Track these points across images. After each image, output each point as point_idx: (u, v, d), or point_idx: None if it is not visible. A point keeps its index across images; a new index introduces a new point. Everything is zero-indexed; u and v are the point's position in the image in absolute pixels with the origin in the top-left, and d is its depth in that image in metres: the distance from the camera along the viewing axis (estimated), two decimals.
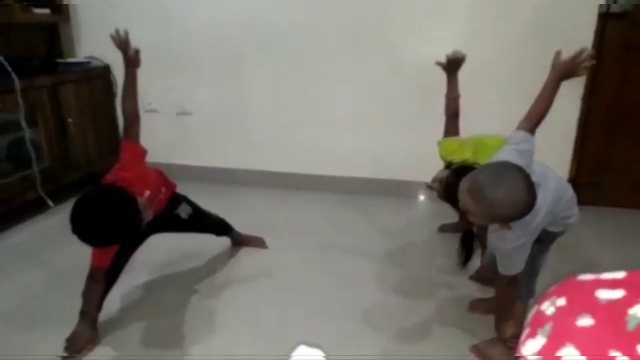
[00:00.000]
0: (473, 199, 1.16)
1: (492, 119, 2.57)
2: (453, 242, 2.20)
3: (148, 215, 1.43)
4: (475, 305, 1.68)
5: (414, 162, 2.61)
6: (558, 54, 1.32)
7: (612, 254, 2.11)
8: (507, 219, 1.18)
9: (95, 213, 1.29)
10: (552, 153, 2.50)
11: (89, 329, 1.52)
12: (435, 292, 1.83)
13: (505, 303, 1.42)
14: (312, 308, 1.73)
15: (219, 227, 2.04)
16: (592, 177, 2.57)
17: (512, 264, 1.32)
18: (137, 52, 1.55)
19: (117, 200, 1.32)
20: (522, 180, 1.14)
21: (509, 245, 1.27)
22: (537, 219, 1.25)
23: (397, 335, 1.59)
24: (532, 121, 1.32)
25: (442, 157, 1.91)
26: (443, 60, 1.96)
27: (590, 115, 2.47)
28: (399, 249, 2.17)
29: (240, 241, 2.15)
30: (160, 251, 2.03)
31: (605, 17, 2.31)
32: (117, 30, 1.52)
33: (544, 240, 1.36)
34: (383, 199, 2.68)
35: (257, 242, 2.16)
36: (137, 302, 1.76)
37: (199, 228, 1.95)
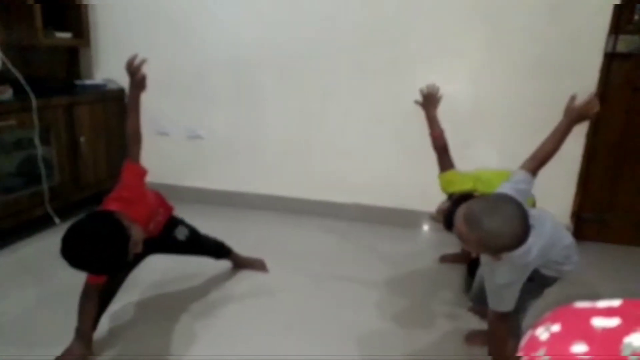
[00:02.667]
0: (467, 226, 1.18)
1: (496, 152, 2.60)
2: (454, 272, 2.20)
3: (139, 248, 1.44)
4: (473, 337, 1.65)
5: (418, 192, 2.62)
6: (573, 98, 1.35)
7: (611, 290, 2.07)
8: (498, 250, 1.19)
9: (84, 243, 1.30)
10: (557, 187, 2.52)
11: (82, 346, 1.52)
12: (434, 323, 1.81)
13: (497, 338, 1.41)
14: (308, 333, 1.72)
15: (217, 250, 2.05)
16: (596, 213, 2.55)
17: (501, 301, 1.32)
18: (144, 77, 1.60)
19: (108, 233, 1.32)
20: (517, 213, 1.16)
21: (498, 281, 1.28)
22: (528, 258, 1.25)
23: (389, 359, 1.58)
24: (538, 161, 1.35)
25: (444, 190, 1.93)
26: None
27: (594, 152, 2.47)
28: (400, 277, 2.15)
29: (240, 263, 2.15)
30: (156, 271, 2.05)
31: (611, 57, 2.34)
32: (134, 56, 1.57)
33: (533, 280, 1.35)
34: (387, 227, 2.69)
35: (257, 265, 2.17)
36: (131, 322, 1.76)
37: (196, 250, 1.96)
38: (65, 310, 1.61)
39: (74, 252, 1.29)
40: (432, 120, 1.98)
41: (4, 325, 1.71)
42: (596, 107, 1.33)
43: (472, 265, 1.70)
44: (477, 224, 1.16)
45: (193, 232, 1.88)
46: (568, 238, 1.36)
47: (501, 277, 1.27)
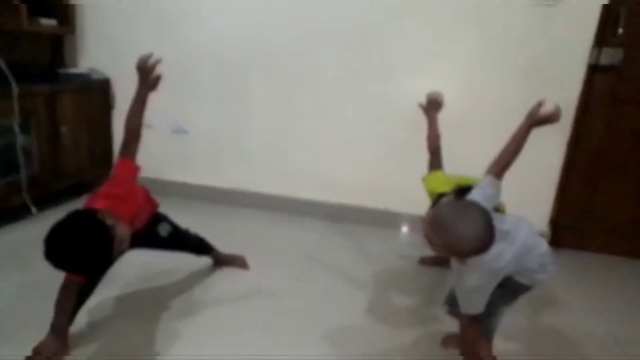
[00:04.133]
0: (433, 230, 1.21)
1: (482, 158, 2.62)
2: (433, 274, 2.22)
3: (125, 246, 1.42)
4: (448, 341, 1.68)
5: (401, 194, 2.65)
6: (539, 104, 1.37)
7: (586, 297, 2.13)
8: (463, 254, 1.22)
9: (67, 246, 1.27)
10: (536, 195, 2.57)
11: (57, 340, 1.50)
12: (412, 323, 1.83)
13: (469, 340, 1.43)
14: (289, 331, 1.72)
15: (198, 246, 2.04)
16: (574, 221, 2.61)
17: (470, 304, 1.34)
18: (159, 77, 1.56)
19: (91, 236, 1.29)
20: (482, 219, 1.19)
21: (467, 285, 1.30)
22: (499, 263, 1.27)
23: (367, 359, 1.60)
24: (502, 165, 1.38)
25: (429, 191, 1.93)
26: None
27: (574, 161, 2.52)
28: (380, 278, 2.17)
29: (221, 260, 2.14)
30: (136, 266, 2.02)
31: (594, 69, 2.39)
32: (149, 55, 1.53)
33: (505, 287, 1.37)
34: (370, 228, 2.71)
35: (238, 262, 2.16)
36: (109, 317, 1.74)
37: (178, 247, 1.94)
38: (39, 302, 1.58)
39: (57, 256, 1.27)
40: (432, 123, 2.11)
41: None
42: (558, 117, 1.36)
43: None
44: (442, 229, 1.19)
45: (175, 229, 1.87)
46: (543, 246, 1.38)
47: (470, 281, 1.29)
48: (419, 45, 2.51)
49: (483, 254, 1.21)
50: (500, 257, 1.26)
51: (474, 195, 1.33)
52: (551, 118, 1.36)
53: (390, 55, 2.55)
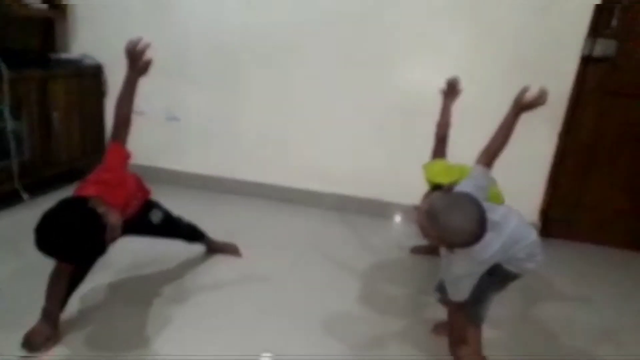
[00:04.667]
0: (428, 221, 1.24)
1: (474, 153, 2.63)
2: (425, 263, 2.24)
3: (116, 233, 1.41)
4: (440, 328, 1.70)
5: (395, 184, 2.65)
6: (524, 90, 1.39)
7: (575, 287, 2.16)
8: (454, 245, 1.25)
9: (58, 236, 1.26)
10: (525, 186, 2.58)
11: (49, 326, 1.50)
12: (405, 311, 1.85)
13: (457, 327, 1.46)
14: (281, 318, 1.74)
15: (190, 234, 2.04)
16: (564, 212, 2.63)
17: (457, 291, 1.37)
18: (149, 62, 1.53)
19: (82, 224, 1.29)
20: (475, 212, 1.21)
21: (455, 272, 1.33)
22: (487, 253, 1.29)
23: (358, 345, 1.62)
24: (491, 154, 1.40)
25: (428, 179, 1.90)
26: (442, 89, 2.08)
27: (565, 152, 2.54)
28: (374, 266, 2.19)
29: (213, 248, 2.15)
30: (128, 253, 2.02)
31: (587, 60, 2.39)
32: (137, 40, 1.49)
33: (494, 274, 1.39)
34: (363, 217, 2.72)
35: (230, 249, 2.17)
36: (101, 304, 1.74)
37: (170, 234, 1.94)
38: (30, 289, 1.58)
39: (47, 244, 1.26)
40: (446, 110, 2.07)
41: None
42: (544, 100, 1.37)
43: None
44: (436, 221, 1.22)
45: (167, 216, 1.86)
46: (532, 236, 1.40)
47: (457, 269, 1.32)
48: (415, 35, 2.50)
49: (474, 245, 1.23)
50: (488, 247, 1.28)
51: (464, 186, 1.34)
52: (537, 102, 1.38)
53: (385, 45, 2.54)
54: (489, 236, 1.25)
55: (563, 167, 2.57)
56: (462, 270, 1.31)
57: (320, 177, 2.82)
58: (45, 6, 2.65)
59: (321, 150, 2.78)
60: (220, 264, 2.09)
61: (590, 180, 2.57)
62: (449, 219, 1.20)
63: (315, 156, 2.80)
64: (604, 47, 2.37)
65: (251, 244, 2.22)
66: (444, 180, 1.71)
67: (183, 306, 1.76)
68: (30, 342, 1.46)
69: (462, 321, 1.44)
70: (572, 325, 1.86)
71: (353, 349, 1.61)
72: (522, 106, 1.38)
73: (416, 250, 2.35)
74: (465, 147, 2.72)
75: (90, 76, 2.82)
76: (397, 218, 2.78)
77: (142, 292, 1.83)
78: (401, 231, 2.70)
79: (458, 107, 2.51)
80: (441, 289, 1.60)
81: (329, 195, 2.83)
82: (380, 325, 1.75)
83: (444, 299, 1.75)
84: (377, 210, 2.76)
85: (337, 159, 2.77)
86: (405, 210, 2.70)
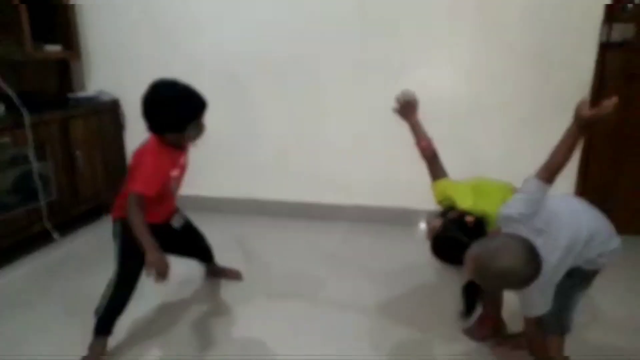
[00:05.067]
0: (478, 275, 1.22)
1: (495, 147, 2.59)
2: (448, 270, 2.17)
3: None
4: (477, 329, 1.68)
5: (416, 190, 2.60)
6: (584, 103, 1.23)
7: (615, 280, 2.07)
8: (515, 288, 1.25)
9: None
10: (556, 180, 2.51)
11: (160, 255, 1.44)
12: (433, 321, 1.81)
13: (536, 343, 1.42)
14: (310, 331, 1.73)
15: (206, 249, 2.04)
16: (597, 204, 2.53)
17: (532, 306, 1.31)
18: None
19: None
20: (524, 257, 1.18)
21: (528, 293, 1.27)
22: (550, 266, 1.24)
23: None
24: (551, 171, 1.28)
25: (439, 201, 1.68)
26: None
27: (592, 143, 2.47)
28: (398, 279, 2.14)
29: (216, 272, 2.13)
30: None
31: (605, 47, 2.33)
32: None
33: (573, 276, 1.33)
34: (385, 227, 2.68)
35: (232, 274, 2.13)
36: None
37: (190, 242, 1.95)
38: (69, 327, 1.59)
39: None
40: (416, 129, 1.75)
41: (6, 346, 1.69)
42: (610, 110, 1.19)
43: (467, 288, 1.63)
44: (486, 276, 1.21)
45: (188, 221, 1.91)
46: (601, 232, 1.35)
47: (530, 292, 1.27)
48: (423, 34, 2.47)
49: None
50: (551, 253, 1.24)
51: (514, 204, 1.28)
52: (602, 112, 1.20)
53: (395, 49, 2.52)
54: (539, 242, 1.22)
55: (592, 157, 2.49)
56: (536, 289, 1.26)
57: (342, 190, 2.79)
58: (59, 47, 2.71)
59: (336, 163, 2.76)
60: (247, 284, 2.08)
61: (622, 168, 2.49)
62: (498, 269, 1.17)
63: (330, 168, 2.78)
64: (622, 31, 2.30)
65: (277, 263, 2.21)
66: (456, 203, 1.54)
67: (226, 325, 1.76)
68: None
69: (540, 336, 1.40)
70: (613, 320, 1.80)
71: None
72: (585, 120, 1.22)
73: None
74: (481, 145, 2.68)
75: (108, 111, 2.87)
76: (421, 225, 2.73)
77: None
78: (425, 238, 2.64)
79: (473, 106, 2.48)
80: (467, 311, 1.59)
81: (352, 207, 2.80)
82: (404, 338, 1.72)
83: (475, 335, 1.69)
84: (401, 218, 2.72)
85: (358, 170, 2.74)
86: (428, 216, 2.65)
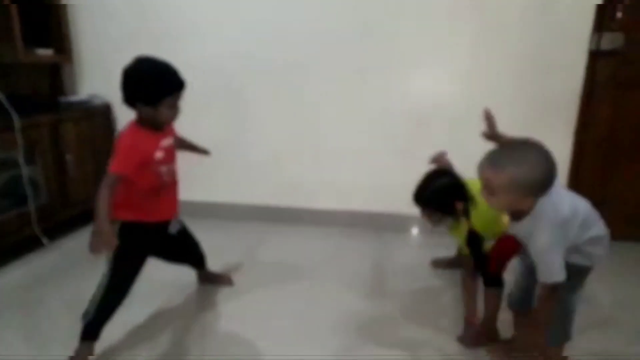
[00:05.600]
0: (493, 168, 1.21)
1: (486, 150, 2.60)
2: (448, 276, 2.19)
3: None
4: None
5: (409, 196, 2.61)
6: None
7: (604, 285, 2.10)
8: (529, 187, 1.20)
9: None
10: None
11: (111, 232, 1.41)
12: (429, 323, 1.81)
13: (543, 316, 1.39)
14: (305, 333, 1.71)
15: (201, 256, 2.03)
16: None
17: (549, 269, 1.28)
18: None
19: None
20: (542, 150, 1.21)
21: (539, 245, 1.26)
22: (561, 213, 1.26)
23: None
24: None
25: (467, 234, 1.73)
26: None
27: (582, 149, 2.49)
28: (392, 283, 2.14)
29: (208, 278, 2.11)
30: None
31: (595, 55, 2.36)
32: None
33: (569, 277, 1.33)
34: (380, 232, 2.69)
35: (224, 280, 2.12)
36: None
37: (185, 247, 1.93)
38: (57, 331, 1.57)
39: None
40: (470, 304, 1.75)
41: None
42: None
43: (471, 241, 1.64)
44: (503, 164, 1.20)
45: (184, 227, 1.88)
46: (596, 225, 1.38)
47: (540, 241, 1.26)
48: (419, 40, 2.49)
49: (545, 194, 1.22)
50: (560, 204, 1.27)
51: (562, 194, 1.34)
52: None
53: (389, 55, 2.53)
54: (555, 193, 1.25)
55: (583, 164, 2.51)
56: (546, 238, 1.25)
57: (337, 195, 2.80)
58: (50, 51, 2.69)
59: (336, 167, 2.76)
60: (239, 290, 2.07)
61: (612, 175, 2.51)
62: (518, 156, 1.20)
63: (325, 173, 2.78)
64: (611, 40, 2.34)
65: (271, 268, 2.21)
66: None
67: (218, 330, 1.74)
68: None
69: (550, 308, 1.36)
70: (605, 325, 1.81)
71: None
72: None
73: (436, 264, 2.30)
74: (476, 150, 2.69)
75: (100, 115, 2.85)
76: (415, 230, 2.74)
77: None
78: (419, 244, 2.65)
79: (469, 110, 2.49)
80: (516, 301, 1.60)
81: (347, 212, 2.80)
82: (398, 340, 1.71)
83: (519, 312, 1.67)
84: (396, 223, 2.72)
85: (353, 175, 2.75)
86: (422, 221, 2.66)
